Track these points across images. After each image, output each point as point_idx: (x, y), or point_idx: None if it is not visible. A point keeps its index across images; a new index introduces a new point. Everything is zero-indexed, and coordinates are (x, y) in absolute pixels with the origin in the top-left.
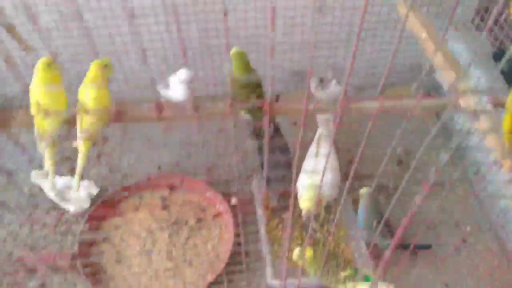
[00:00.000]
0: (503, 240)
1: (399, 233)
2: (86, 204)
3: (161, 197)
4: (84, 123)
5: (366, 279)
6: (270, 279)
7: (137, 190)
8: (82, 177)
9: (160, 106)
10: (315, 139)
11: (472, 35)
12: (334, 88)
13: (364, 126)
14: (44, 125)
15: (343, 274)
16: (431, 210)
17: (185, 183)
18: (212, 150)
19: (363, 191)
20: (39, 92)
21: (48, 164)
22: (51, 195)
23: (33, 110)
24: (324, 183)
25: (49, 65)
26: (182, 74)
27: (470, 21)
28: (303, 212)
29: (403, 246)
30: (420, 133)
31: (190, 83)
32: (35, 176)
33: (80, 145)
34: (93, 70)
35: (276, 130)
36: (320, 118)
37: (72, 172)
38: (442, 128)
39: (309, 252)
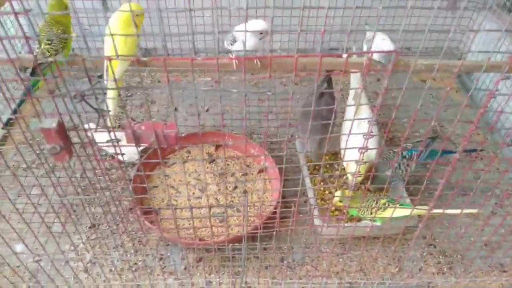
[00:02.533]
0: None
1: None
2: (136, 156)
3: (208, 153)
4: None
5: (401, 205)
6: (317, 222)
7: (185, 144)
8: None
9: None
10: (351, 101)
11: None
12: (381, 42)
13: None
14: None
15: (382, 201)
16: (464, 177)
17: (230, 140)
18: (254, 116)
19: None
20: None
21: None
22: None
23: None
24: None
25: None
26: (258, 25)
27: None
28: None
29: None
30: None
31: (264, 36)
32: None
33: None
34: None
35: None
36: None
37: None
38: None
39: (347, 193)
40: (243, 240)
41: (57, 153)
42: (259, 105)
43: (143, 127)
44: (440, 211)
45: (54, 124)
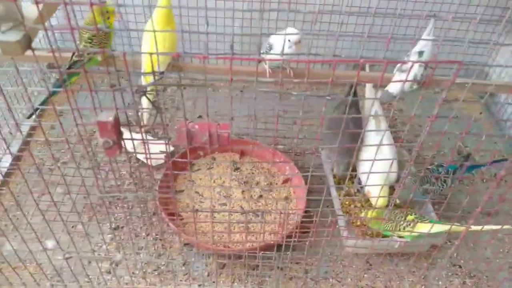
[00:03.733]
0: None
1: None
2: (161, 160)
3: (233, 161)
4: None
5: (430, 221)
6: (344, 234)
7: (210, 151)
8: (157, 136)
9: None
10: (371, 120)
11: None
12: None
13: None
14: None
15: (409, 217)
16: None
17: (255, 149)
18: (279, 125)
19: None
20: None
21: (146, 105)
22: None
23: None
24: (392, 174)
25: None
26: (294, 33)
27: None
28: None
29: None
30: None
31: (296, 44)
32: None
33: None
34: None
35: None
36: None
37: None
38: (493, 119)
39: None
40: (275, 248)
41: (109, 147)
42: (284, 115)
43: (196, 126)
44: (478, 227)
45: (111, 118)
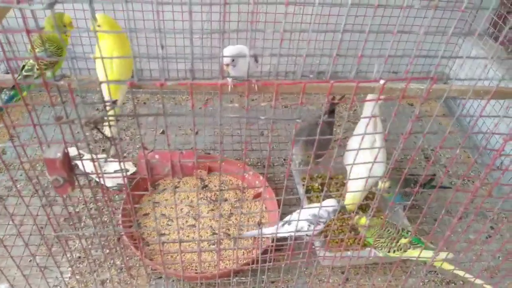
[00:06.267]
0: None
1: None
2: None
3: (200, 178)
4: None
5: (426, 249)
6: (320, 253)
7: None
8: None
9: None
10: (363, 128)
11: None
12: None
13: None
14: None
15: (402, 241)
16: (460, 202)
17: (223, 164)
18: (245, 139)
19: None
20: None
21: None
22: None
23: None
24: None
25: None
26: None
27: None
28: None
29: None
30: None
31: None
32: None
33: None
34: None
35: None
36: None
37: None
38: (459, 128)
39: (363, 221)
40: (249, 272)
41: (60, 185)
42: (250, 128)
43: (157, 156)
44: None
45: (59, 154)
